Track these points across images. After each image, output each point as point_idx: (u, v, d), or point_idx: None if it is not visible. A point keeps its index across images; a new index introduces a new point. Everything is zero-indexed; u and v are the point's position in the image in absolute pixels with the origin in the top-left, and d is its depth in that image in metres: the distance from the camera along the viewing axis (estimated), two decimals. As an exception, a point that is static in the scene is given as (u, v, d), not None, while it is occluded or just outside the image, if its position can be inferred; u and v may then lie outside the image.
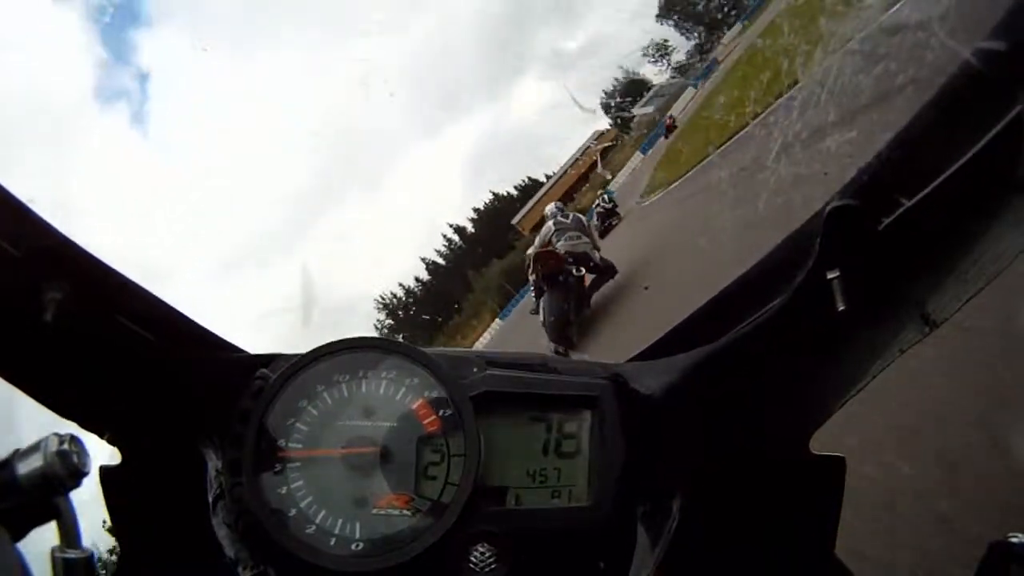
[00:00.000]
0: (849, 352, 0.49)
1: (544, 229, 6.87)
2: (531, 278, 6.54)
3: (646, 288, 6.08)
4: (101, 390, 0.51)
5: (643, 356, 0.60)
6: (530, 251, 6.71)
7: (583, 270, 6.39)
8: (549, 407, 0.57)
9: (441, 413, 0.54)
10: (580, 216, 7.61)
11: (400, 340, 0.58)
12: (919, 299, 0.45)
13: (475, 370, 0.57)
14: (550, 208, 7.36)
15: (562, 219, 6.86)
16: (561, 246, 6.37)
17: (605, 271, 6.70)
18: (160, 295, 0.51)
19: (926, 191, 0.41)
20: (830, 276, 0.43)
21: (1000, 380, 1.39)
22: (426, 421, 0.54)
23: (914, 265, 0.44)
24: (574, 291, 6.24)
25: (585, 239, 6.65)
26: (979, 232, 0.42)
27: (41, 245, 0.46)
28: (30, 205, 0.45)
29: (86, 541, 0.51)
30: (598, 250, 6.84)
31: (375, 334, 0.59)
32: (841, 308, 0.43)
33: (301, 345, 0.57)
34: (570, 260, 6.25)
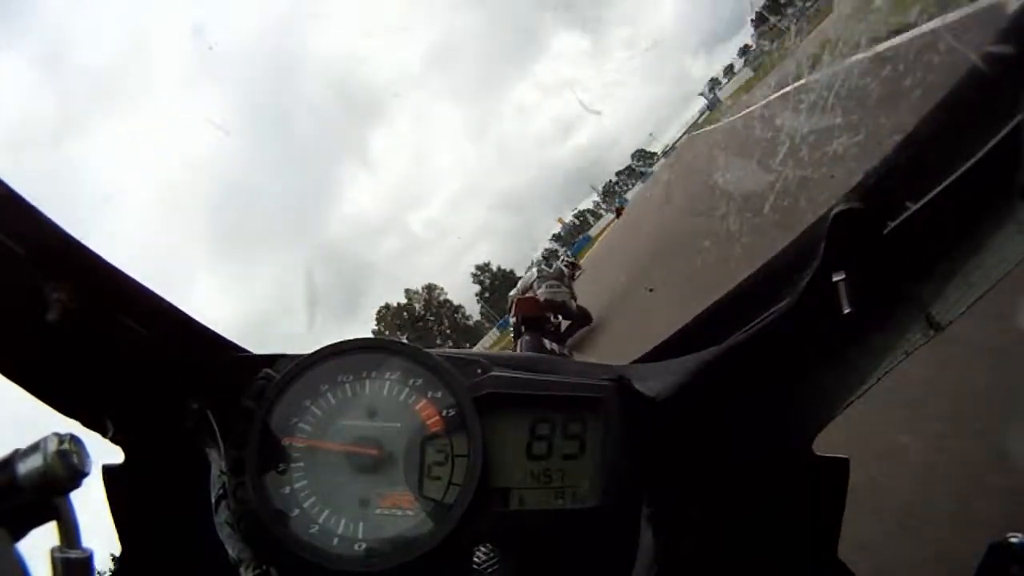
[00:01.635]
0: (854, 354, 0.49)
1: (527, 275, 7.59)
2: (511, 320, 7.12)
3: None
4: (104, 389, 0.51)
5: (648, 358, 0.60)
6: (513, 293, 7.45)
7: (560, 318, 7.07)
8: (553, 408, 0.57)
9: (445, 414, 0.54)
10: (562, 268, 8.43)
11: (403, 341, 0.58)
12: (924, 302, 0.45)
13: (479, 371, 0.57)
14: (536, 256, 8.36)
15: (545, 268, 7.71)
16: (541, 293, 7.06)
17: (580, 319, 7.33)
18: (164, 295, 0.51)
19: (932, 194, 0.41)
20: (836, 278, 0.44)
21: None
22: (430, 422, 0.54)
23: (919, 268, 0.45)
24: (550, 336, 6.85)
25: (564, 289, 7.37)
26: (984, 235, 0.42)
27: (45, 244, 0.46)
28: (35, 204, 0.45)
29: (85, 541, 0.50)
30: (575, 299, 7.49)
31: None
32: (847, 310, 0.43)
33: (305, 346, 0.56)
34: (549, 308, 6.99)
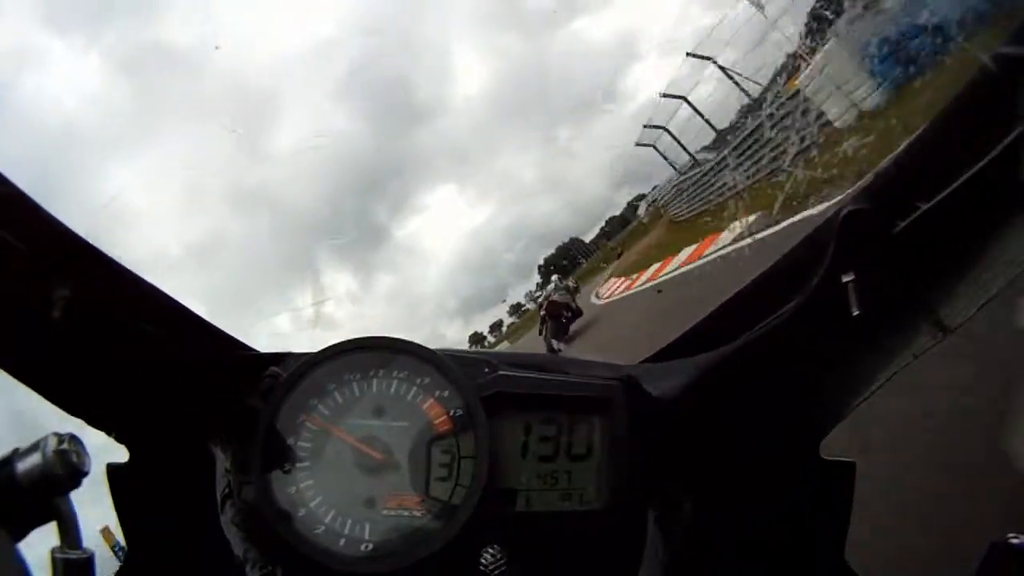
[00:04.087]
0: (862, 356, 0.49)
1: (547, 288, 12.46)
2: (541, 314, 12.23)
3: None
4: (110, 388, 0.50)
5: (656, 358, 0.60)
6: (541, 300, 12.46)
7: (571, 314, 11.97)
8: (561, 408, 0.56)
9: (452, 413, 0.54)
10: (569, 284, 13.68)
11: (411, 340, 0.57)
12: (933, 304, 0.46)
13: (487, 371, 0.56)
14: (555, 277, 13.66)
15: (559, 283, 12.77)
16: (556, 297, 11.89)
17: (576, 313, 12.16)
18: (170, 292, 0.50)
19: (941, 196, 0.41)
20: (845, 279, 0.44)
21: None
22: (437, 421, 0.54)
23: (928, 270, 0.45)
24: (564, 324, 11.85)
25: (569, 295, 12.29)
26: (993, 237, 0.42)
27: (50, 242, 0.45)
28: (39, 202, 0.44)
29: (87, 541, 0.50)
30: (575, 301, 12.49)
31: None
32: (856, 312, 0.43)
33: (311, 344, 0.56)
34: (562, 305, 11.93)
